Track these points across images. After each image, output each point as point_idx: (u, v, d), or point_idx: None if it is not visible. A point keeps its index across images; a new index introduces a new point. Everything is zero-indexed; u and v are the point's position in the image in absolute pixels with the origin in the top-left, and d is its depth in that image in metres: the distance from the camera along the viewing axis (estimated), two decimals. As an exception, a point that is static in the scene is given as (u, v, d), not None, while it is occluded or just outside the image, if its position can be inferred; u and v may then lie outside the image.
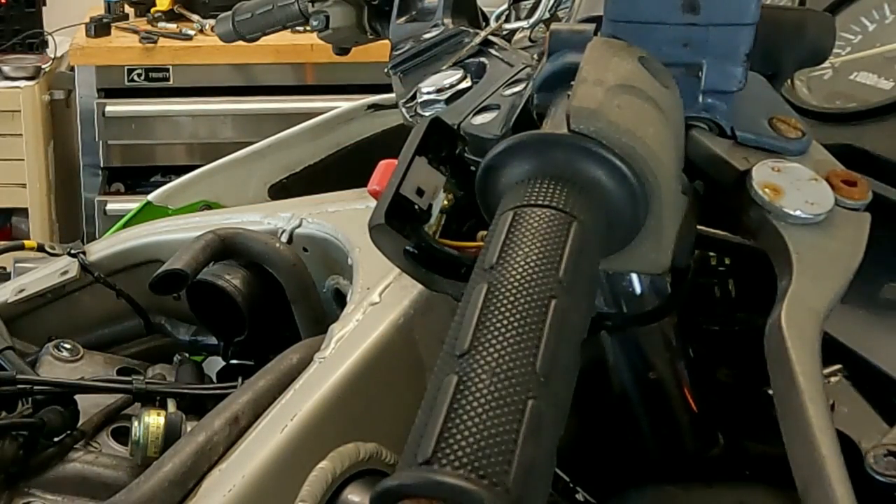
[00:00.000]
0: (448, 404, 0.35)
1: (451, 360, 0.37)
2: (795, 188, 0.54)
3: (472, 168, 0.58)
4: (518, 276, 0.41)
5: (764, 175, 0.54)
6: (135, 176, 2.90)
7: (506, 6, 0.83)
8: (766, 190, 0.53)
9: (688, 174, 0.54)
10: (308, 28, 1.08)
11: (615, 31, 0.55)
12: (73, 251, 0.94)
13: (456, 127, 0.61)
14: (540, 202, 0.45)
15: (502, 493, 0.33)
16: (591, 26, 0.58)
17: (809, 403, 0.46)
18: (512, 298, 0.40)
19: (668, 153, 0.50)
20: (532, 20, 0.79)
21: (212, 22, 2.27)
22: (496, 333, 0.38)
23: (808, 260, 0.51)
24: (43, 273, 0.95)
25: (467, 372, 0.36)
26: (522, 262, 0.41)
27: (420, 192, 0.54)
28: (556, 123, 0.53)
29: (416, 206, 0.54)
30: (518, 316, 0.39)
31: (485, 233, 0.55)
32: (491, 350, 0.37)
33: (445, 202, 0.57)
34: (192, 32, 2.77)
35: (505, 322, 0.39)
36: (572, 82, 0.51)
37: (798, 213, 0.53)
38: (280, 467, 0.64)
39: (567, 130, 0.47)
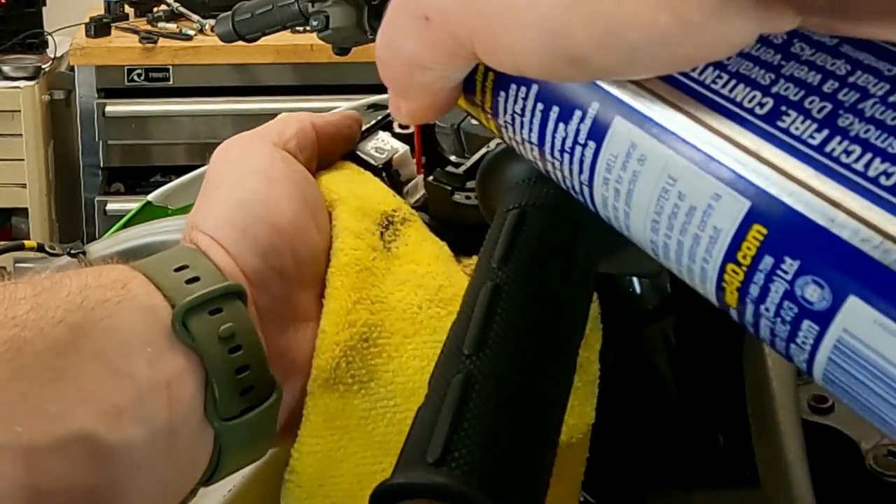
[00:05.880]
0: (457, 406, 0.35)
1: (458, 358, 0.37)
2: None
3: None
4: (528, 281, 0.40)
5: None
6: (135, 176, 2.91)
7: None
8: None
9: None
10: (308, 28, 1.08)
11: None
12: (73, 251, 0.94)
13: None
14: (548, 203, 0.45)
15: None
16: None
17: (780, 409, 0.46)
18: (522, 303, 0.39)
19: None
20: None
21: (212, 22, 2.27)
22: (505, 338, 0.38)
23: None
24: (43, 273, 0.94)
25: (475, 374, 0.36)
26: (532, 267, 0.41)
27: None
28: None
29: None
30: (530, 322, 0.38)
31: None
32: (500, 355, 0.37)
33: None
34: (191, 32, 2.77)
35: (515, 327, 0.38)
36: None
37: None
38: (281, 467, 0.64)
39: None
